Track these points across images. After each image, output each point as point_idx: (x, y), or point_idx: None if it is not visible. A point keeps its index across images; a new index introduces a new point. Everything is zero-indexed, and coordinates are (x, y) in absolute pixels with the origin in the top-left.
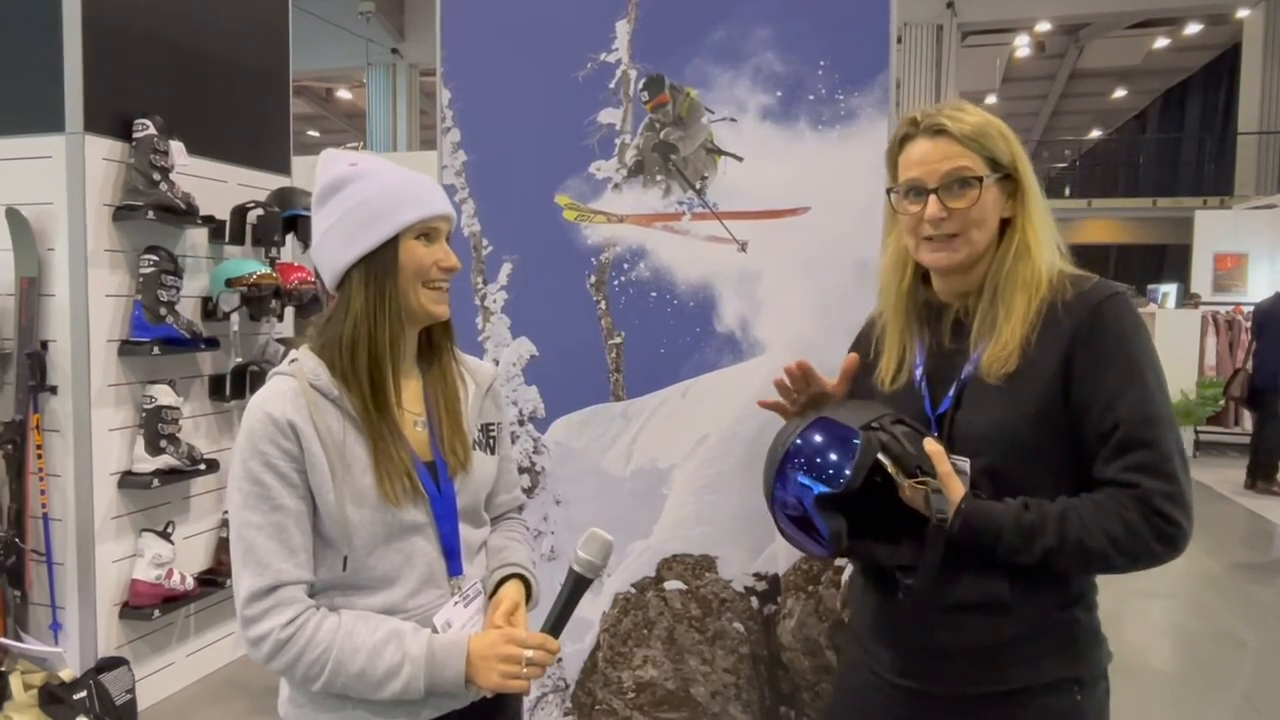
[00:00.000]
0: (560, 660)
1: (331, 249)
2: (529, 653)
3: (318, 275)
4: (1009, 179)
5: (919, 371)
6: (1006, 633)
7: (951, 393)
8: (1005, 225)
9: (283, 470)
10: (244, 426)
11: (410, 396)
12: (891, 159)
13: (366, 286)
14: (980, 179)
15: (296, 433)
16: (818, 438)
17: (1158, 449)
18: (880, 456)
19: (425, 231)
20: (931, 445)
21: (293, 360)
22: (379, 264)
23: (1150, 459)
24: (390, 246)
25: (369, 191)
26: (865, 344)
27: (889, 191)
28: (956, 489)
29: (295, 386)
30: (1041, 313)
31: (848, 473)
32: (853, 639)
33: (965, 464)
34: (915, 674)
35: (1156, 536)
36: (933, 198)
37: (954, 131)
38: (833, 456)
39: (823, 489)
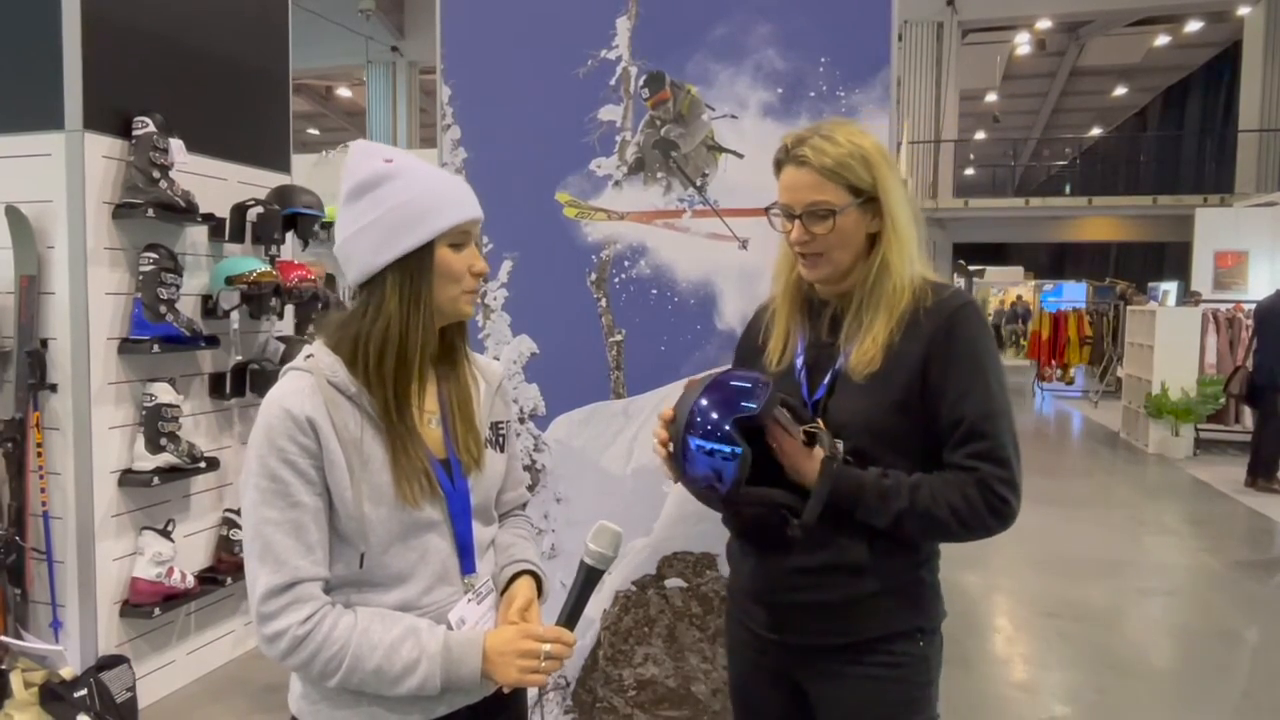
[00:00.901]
0: None
1: (364, 249)
2: (546, 647)
3: (322, 271)
4: (873, 200)
5: (799, 361)
6: (865, 590)
7: (825, 382)
8: (875, 239)
9: (301, 467)
10: (260, 422)
11: (426, 394)
12: (776, 176)
13: (401, 290)
14: (834, 211)
15: (315, 429)
16: (734, 380)
17: (995, 439)
18: (779, 410)
19: (460, 236)
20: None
21: (308, 356)
22: (415, 267)
23: (988, 448)
24: (426, 250)
25: (408, 193)
26: (756, 330)
27: (768, 209)
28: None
29: (312, 382)
30: (904, 319)
31: (761, 398)
32: (730, 601)
33: (840, 445)
34: (784, 628)
35: (990, 511)
36: (797, 223)
37: (814, 164)
38: (747, 388)
39: (744, 411)
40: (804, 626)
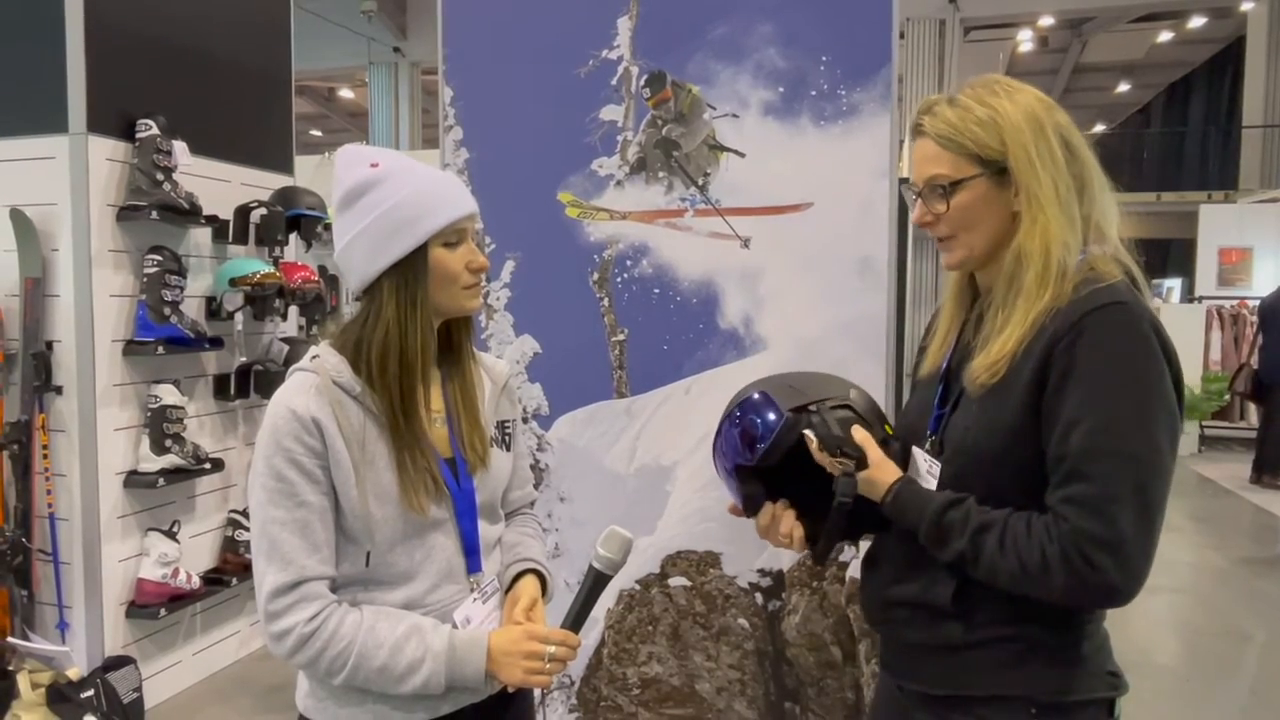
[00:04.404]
0: None
1: (359, 257)
2: (551, 648)
3: (324, 273)
4: (1008, 173)
5: (945, 365)
6: (954, 637)
7: (954, 393)
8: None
9: (307, 466)
10: (267, 422)
11: (431, 393)
12: None
13: (398, 295)
14: (946, 186)
15: (320, 429)
16: (750, 412)
17: (1102, 486)
18: (807, 433)
19: (453, 234)
20: (860, 433)
21: (314, 356)
22: (410, 271)
23: (1087, 495)
24: (420, 253)
25: (396, 197)
26: (930, 329)
27: (902, 182)
28: (890, 473)
29: (318, 382)
30: (1036, 323)
31: (760, 448)
32: None
33: (936, 468)
34: (891, 667)
35: (1071, 575)
36: (919, 201)
37: (930, 133)
38: (755, 432)
39: (740, 461)
40: (903, 669)
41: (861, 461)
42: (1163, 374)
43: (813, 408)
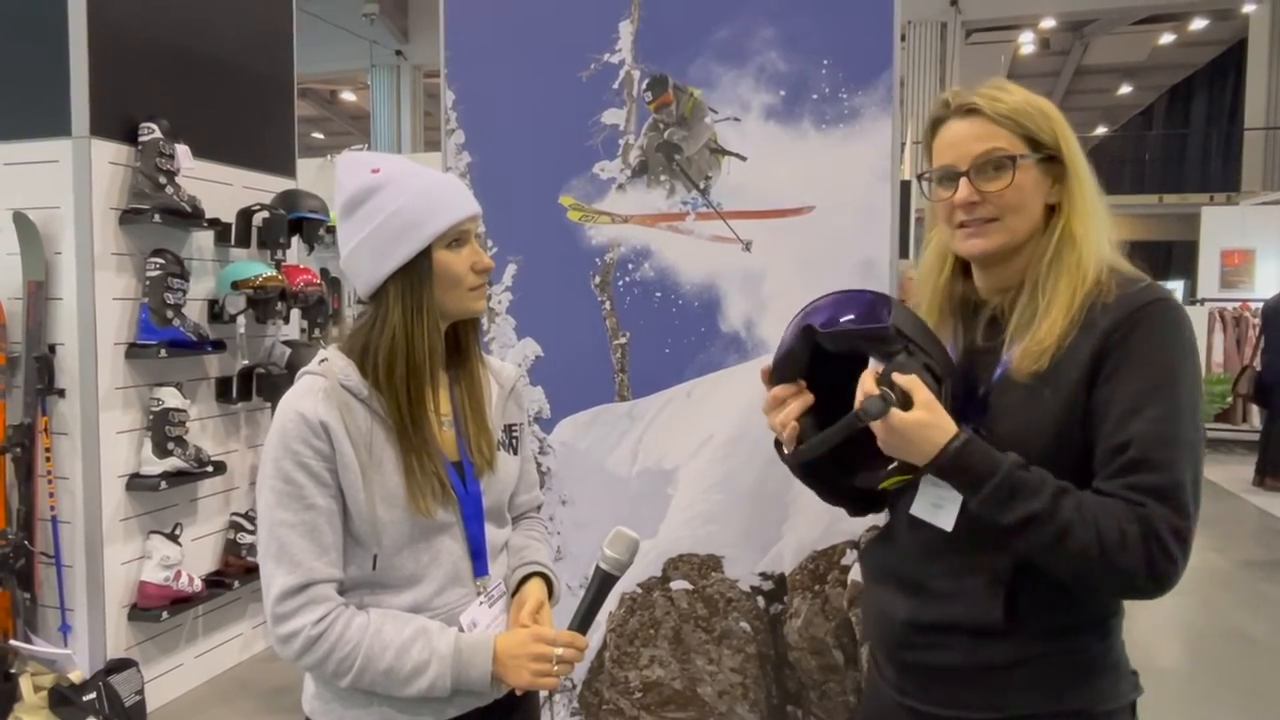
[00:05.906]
0: None
1: (364, 263)
2: (558, 650)
3: (326, 276)
4: (1053, 161)
5: None
6: (1002, 656)
7: (980, 394)
8: (1051, 213)
9: (315, 469)
10: (275, 425)
11: (438, 397)
12: (926, 145)
13: (404, 299)
14: (1014, 159)
15: (328, 432)
16: (872, 299)
17: (1171, 474)
18: (874, 358)
19: (456, 237)
20: (908, 378)
21: (322, 360)
22: (415, 274)
23: (1162, 483)
24: (424, 257)
25: (398, 202)
26: None
27: (920, 178)
28: (950, 423)
29: (326, 386)
30: (1084, 309)
31: (842, 323)
32: (870, 649)
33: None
34: (913, 693)
35: (1148, 564)
36: (964, 181)
37: (988, 110)
38: (853, 311)
39: (812, 320)
40: (931, 694)
41: (905, 403)
42: (1200, 370)
43: (913, 349)
